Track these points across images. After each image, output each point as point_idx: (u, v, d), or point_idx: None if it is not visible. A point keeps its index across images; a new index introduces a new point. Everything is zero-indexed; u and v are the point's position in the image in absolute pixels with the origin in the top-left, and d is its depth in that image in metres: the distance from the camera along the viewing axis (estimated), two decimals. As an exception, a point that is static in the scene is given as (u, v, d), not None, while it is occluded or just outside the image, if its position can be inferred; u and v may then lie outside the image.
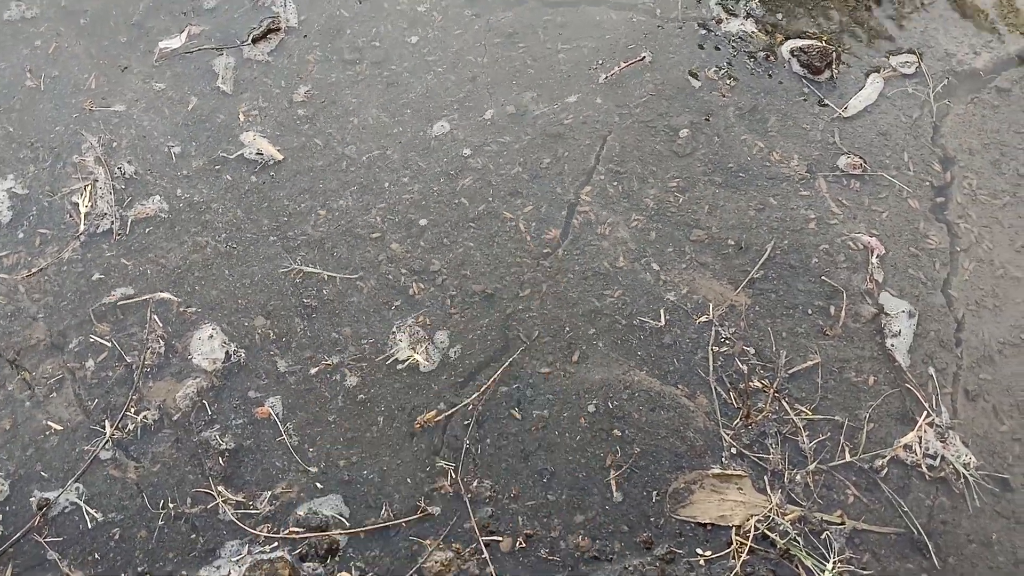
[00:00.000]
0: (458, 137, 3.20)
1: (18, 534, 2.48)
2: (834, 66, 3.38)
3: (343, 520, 2.52)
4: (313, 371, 2.76)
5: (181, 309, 2.84)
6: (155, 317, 2.82)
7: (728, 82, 3.35)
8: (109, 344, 2.78)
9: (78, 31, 3.44)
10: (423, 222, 3.02)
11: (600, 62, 3.38)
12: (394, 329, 2.82)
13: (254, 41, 3.44)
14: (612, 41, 3.44)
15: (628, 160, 3.15)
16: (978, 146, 3.20)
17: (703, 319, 2.84)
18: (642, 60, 3.38)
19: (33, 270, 2.89)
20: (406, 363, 2.76)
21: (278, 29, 3.47)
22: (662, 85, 3.33)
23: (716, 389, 2.72)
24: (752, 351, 2.79)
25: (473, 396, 2.69)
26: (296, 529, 2.49)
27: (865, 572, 2.44)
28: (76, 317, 2.83)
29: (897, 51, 3.44)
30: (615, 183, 3.10)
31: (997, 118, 3.28)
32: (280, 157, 3.15)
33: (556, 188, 3.10)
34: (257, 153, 3.15)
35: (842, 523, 2.50)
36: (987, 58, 3.42)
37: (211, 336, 2.78)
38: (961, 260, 2.96)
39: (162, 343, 2.78)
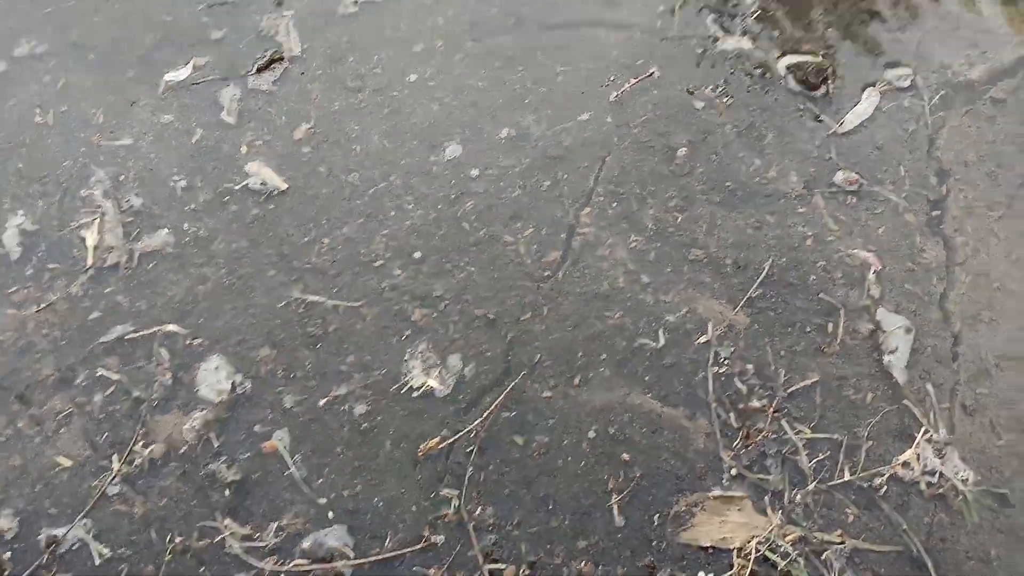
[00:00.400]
0: (461, 161, 3.24)
1: (27, 572, 2.52)
2: (830, 82, 3.40)
3: (348, 551, 2.56)
4: (321, 402, 2.80)
5: (188, 341, 2.89)
6: (162, 350, 2.87)
7: (725, 100, 3.38)
8: (117, 377, 2.83)
9: (87, 66, 3.51)
10: (424, 248, 3.06)
11: (612, 78, 3.41)
12: (406, 356, 2.86)
13: (259, 71, 3.49)
14: (613, 60, 3.47)
15: (627, 181, 3.19)
16: (974, 158, 3.22)
17: (702, 339, 2.87)
18: (651, 76, 3.41)
19: (42, 305, 2.95)
20: (421, 389, 2.80)
21: (281, 58, 3.52)
22: (659, 105, 3.36)
23: (716, 410, 2.75)
24: (751, 370, 2.81)
25: (475, 422, 2.73)
26: (301, 561, 2.54)
27: (866, 591, 2.47)
28: (83, 351, 2.88)
29: (892, 65, 3.45)
30: (614, 204, 3.14)
31: (993, 129, 3.29)
32: (284, 186, 3.20)
33: (556, 211, 3.13)
34: (262, 183, 3.20)
35: (842, 543, 2.52)
36: (982, 69, 3.43)
37: (217, 368, 2.83)
38: (958, 274, 2.98)
39: (169, 376, 2.83)
